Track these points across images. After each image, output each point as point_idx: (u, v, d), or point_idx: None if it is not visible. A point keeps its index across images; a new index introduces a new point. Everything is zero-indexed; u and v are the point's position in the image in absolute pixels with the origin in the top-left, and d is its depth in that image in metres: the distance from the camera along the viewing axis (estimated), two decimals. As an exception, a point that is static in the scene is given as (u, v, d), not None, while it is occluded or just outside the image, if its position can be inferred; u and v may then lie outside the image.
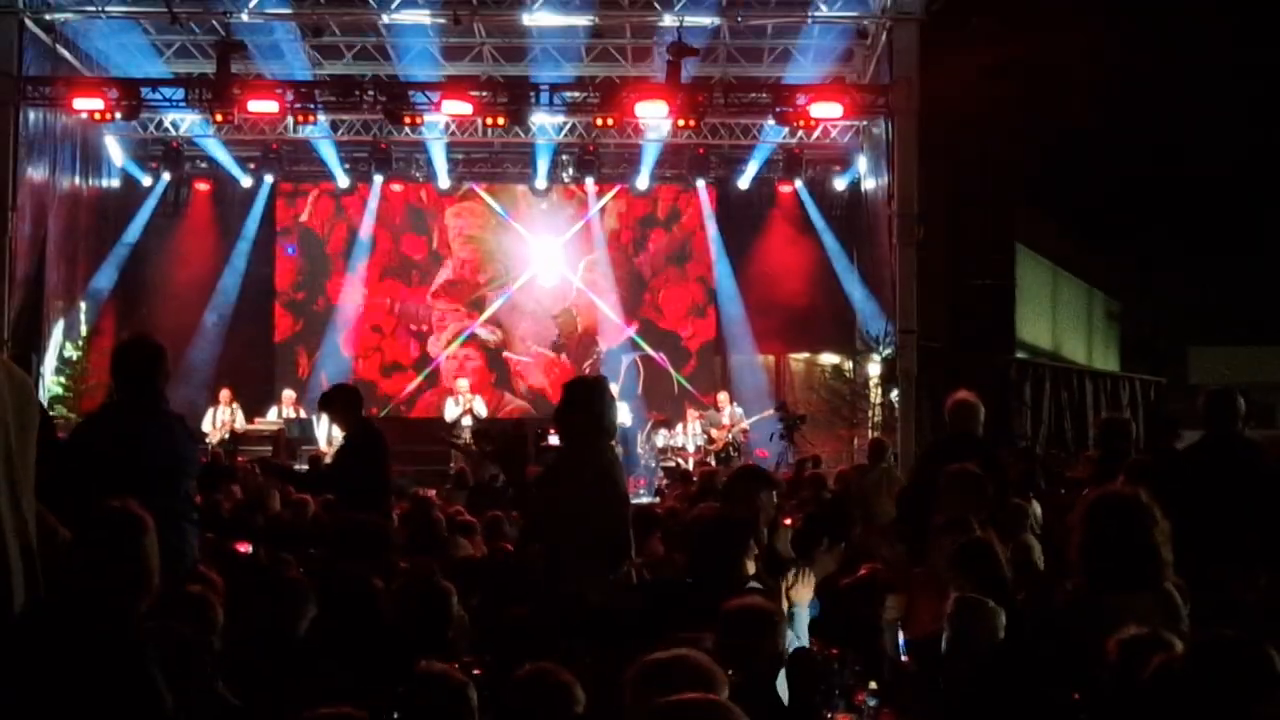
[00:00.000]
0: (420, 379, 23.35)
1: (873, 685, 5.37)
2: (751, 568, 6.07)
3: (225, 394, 20.35)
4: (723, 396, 21.88)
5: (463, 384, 21.43)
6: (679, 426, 21.57)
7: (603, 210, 23.87)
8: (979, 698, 5.38)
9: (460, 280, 23.64)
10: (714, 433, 20.93)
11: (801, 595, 5.83)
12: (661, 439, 21.52)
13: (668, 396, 23.76)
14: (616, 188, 23.71)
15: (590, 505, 6.91)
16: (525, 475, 7.23)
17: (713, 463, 19.93)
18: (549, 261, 23.79)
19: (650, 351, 23.81)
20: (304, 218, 23.77)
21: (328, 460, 14.81)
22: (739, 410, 21.39)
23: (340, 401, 9.56)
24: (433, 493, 13.60)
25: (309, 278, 23.86)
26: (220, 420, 19.88)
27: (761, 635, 4.94)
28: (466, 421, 20.01)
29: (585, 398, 7.21)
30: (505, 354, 23.49)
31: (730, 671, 4.07)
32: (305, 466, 16.32)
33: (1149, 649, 4.31)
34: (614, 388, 20.59)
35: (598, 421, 7.09)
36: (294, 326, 23.75)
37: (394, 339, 23.45)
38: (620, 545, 7.07)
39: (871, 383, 20.72)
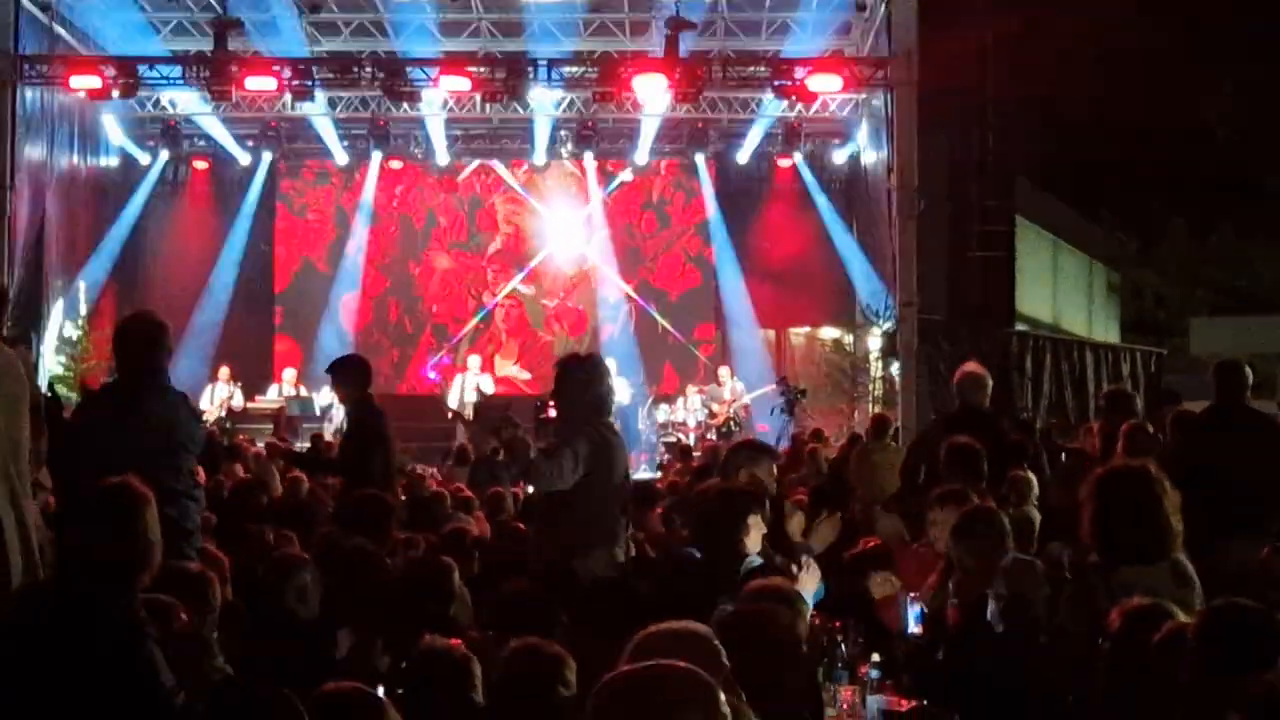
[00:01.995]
0: (476, 321, 23.84)
1: (875, 657, 5.37)
2: (758, 541, 6.06)
3: (224, 371, 20.34)
4: (724, 371, 21.88)
5: (473, 361, 21.47)
6: (679, 401, 21.57)
7: (608, 185, 24.14)
8: (994, 672, 5.38)
9: (507, 250, 24.18)
10: (715, 407, 20.93)
11: (807, 585, 5.81)
12: (662, 414, 21.55)
13: (660, 347, 23.98)
14: (628, 166, 23.93)
15: (586, 480, 6.91)
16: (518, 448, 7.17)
17: (713, 438, 19.93)
18: (567, 235, 24.20)
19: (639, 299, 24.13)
20: (367, 196, 23.93)
21: (327, 440, 14.82)
22: (740, 385, 21.38)
23: (350, 371, 9.48)
24: (433, 469, 13.61)
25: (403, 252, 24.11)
26: (219, 398, 19.87)
27: (776, 612, 4.92)
28: (471, 398, 20.03)
29: (578, 374, 7.19)
30: (542, 301, 24.13)
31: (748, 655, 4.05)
32: (307, 445, 16.31)
33: (1152, 619, 4.31)
34: (612, 363, 20.63)
35: (592, 397, 7.08)
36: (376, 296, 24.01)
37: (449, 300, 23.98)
38: (617, 521, 7.07)
39: (872, 356, 20.72)
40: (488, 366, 22.33)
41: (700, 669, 3.09)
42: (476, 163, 24.07)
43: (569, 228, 24.23)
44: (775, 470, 7.62)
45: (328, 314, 23.94)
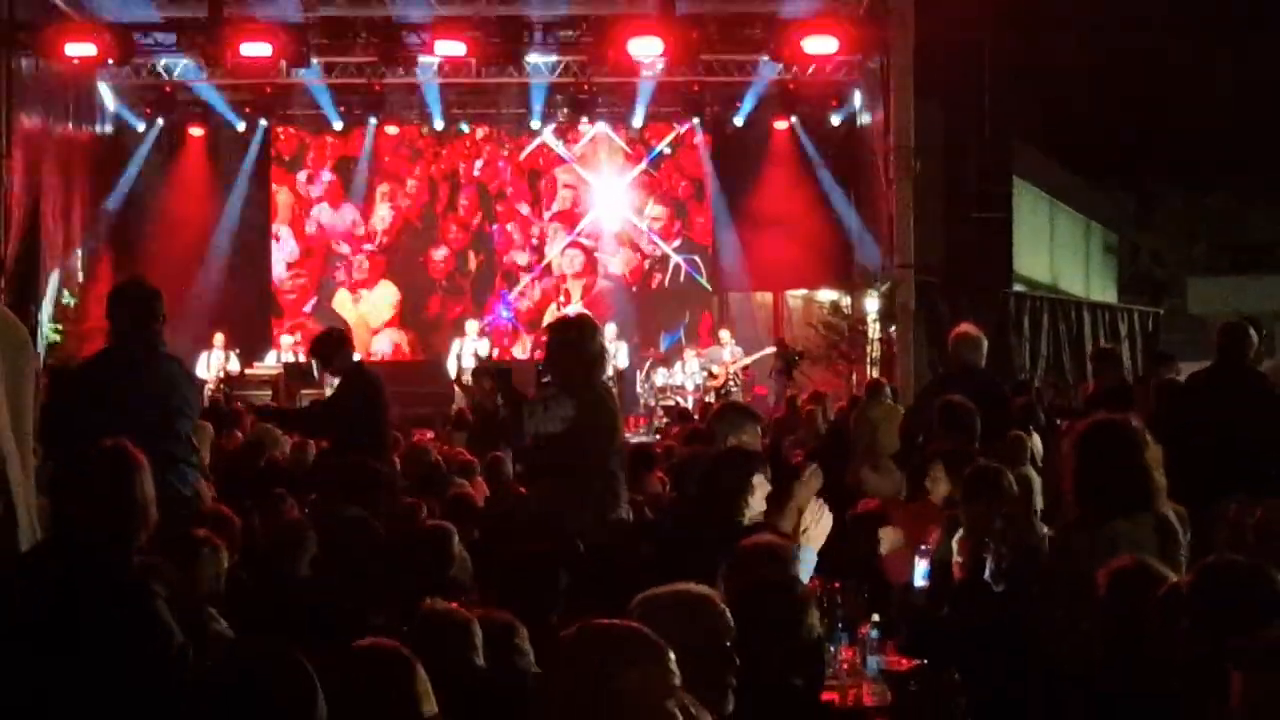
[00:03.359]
0: (539, 269, 24.79)
1: (875, 617, 5.38)
2: (763, 501, 6.06)
3: (219, 338, 20.34)
4: (725, 334, 21.87)
5: (471, 326, 21.47)
6: (677, 365, 21.56)
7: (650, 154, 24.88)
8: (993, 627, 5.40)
9: (565, 211, 25.04)
10: (715, 369, 20.91)
11: (814, 538, 5.80)
12: (660, 378, 21.56)
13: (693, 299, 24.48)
14: (684, 127, 24.52)
15: (582, 441, 6.88)
16: (518, 410, 7.14)
17: (712, 400, 19.92)
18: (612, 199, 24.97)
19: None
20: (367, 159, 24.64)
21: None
22: (739, 348, 21.38)
23: (327, 347, 9.46)
24: (430, 434, 13.60)
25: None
26: (214, 365, 19.86)
27: (771, 570, 4.92)
28: (469, 363, 20.02)
29: (570, 336, 7.15)
30: (595, 253, 24.95)
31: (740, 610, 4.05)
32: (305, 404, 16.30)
33: (1141, 580, 4.31)
34: (612, 328, 20.47)
35: (585, 358, 7.04)
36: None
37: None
38: (617, 482, 7.04)
39: (869, 318, 20.67)
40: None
41: (660, 632, 3.11)
42: (539, 140, 24.68)
43: (613, 193, 24.82)
44: (760, 433, 7.60)
45: (332, 279, 24.33)
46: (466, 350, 20.63)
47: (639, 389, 21.61)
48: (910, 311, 18.78)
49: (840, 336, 21.47)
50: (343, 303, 24.40)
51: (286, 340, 21.40)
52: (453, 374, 20.29)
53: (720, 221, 24.23)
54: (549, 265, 24.81)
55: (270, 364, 20.60)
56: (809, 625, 4.48)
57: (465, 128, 24.61)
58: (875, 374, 20.11)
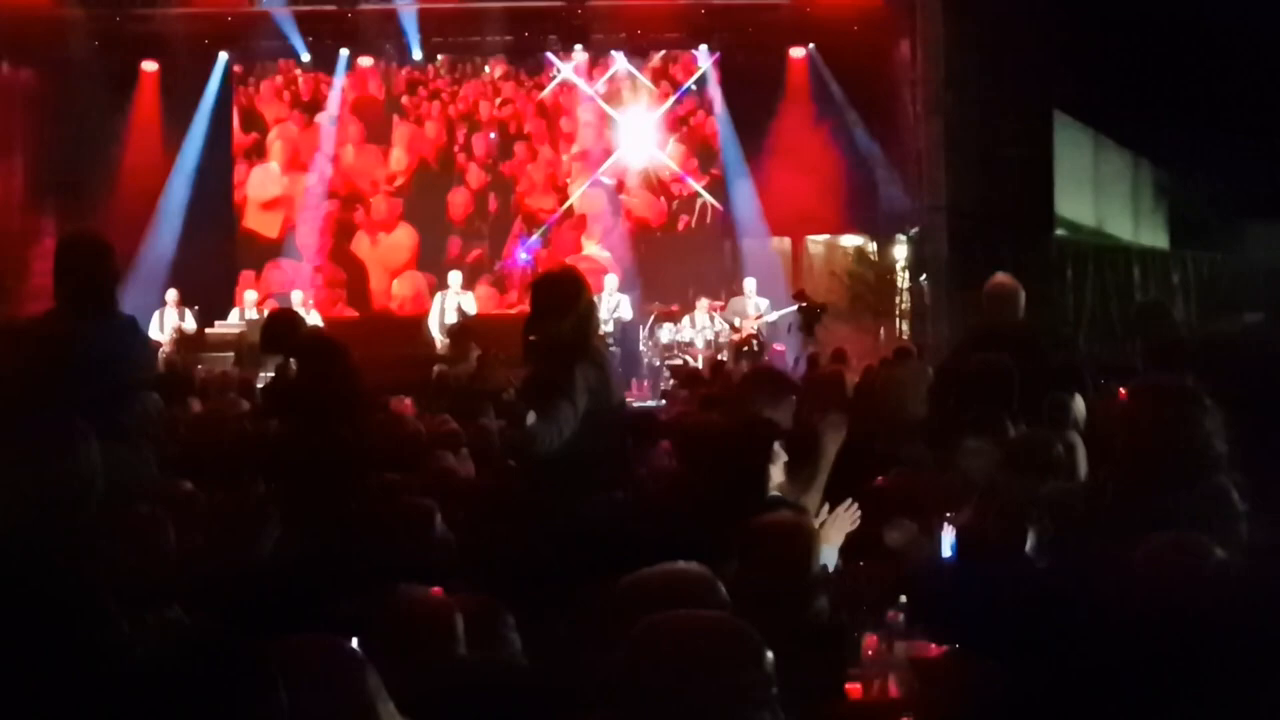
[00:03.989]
0: (560, 212, 25.32)
1: (902, 599, 5.35)
2: (782, 472, 6.02)
3: (172, 294, 20.33)
4: (749, 283, 21.67)
5: (454, 278, 21.45)
6: (686, 320, 21.47)
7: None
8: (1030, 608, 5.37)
9: (586, 150, 25.51)
10: (738, 322, 20.80)
11: (833, 538, 5.78)
12: (667, 334, 21.42)
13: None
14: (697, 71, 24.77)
15: (582, 426, 6.81)
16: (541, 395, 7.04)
17: (726, 359, 19.86)
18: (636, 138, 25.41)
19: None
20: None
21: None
22: (764, 300, 21.23)
23: (275, 334, 9.44)
24: (409, 400, 13.54)
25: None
26: (169, 326, 19.83)
27: (792, 554, 4.89)
28: (451, 319, 20.00)
29: (555, 300, 7.05)
30: (620, 195, 25.44)
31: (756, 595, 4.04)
32: (271, 375, 16.26)
33: (1180, 556, 4.28)
34: (612, 279, 20.44)
35: (575, 318, 6.96)
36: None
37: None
38: (613, 460, 6.99)
39: (898, 266, 20.65)
40: (575, 247, 24.21)
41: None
42: (560, 78, 25.05)
43: (638, 132, 25.17)
44: (793, 410, 7.57)
45: (302, 228, 24.65)
46: (449, 305, 20.59)
47: (641, 347, 21.53)
48: (942, 259, 18.74)
49: (866, 287, 21.43)
50: (361, 246, 24.95)
51: (250, 297, 21.37)
52: (435, 332, 20.27)
53: (731, 160, 24.16)
54: (571, 208, 25.20)
55: (233, 323, 20.56)
56: (819, 608, 4.47)
57: (487, 70, 25.28)
58: (905, 328, 20.10)
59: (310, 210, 24.88)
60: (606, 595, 3.61)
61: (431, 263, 24.61)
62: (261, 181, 24.93)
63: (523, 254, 25.05)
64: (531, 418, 6.67)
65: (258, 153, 25.04)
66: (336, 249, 24.92)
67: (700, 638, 3.12)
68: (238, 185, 24.76)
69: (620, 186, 25.38)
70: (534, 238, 25.12)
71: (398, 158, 25.35)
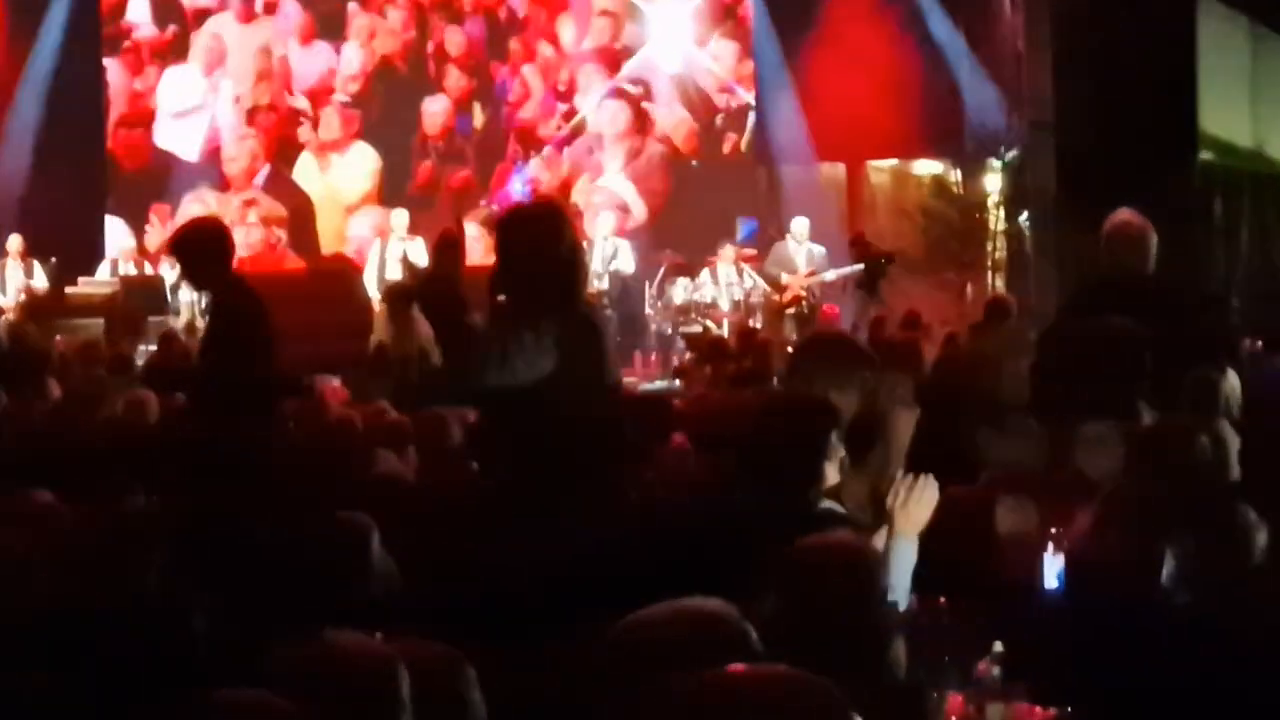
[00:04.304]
0: (568, 129, 25.50)
1: (998, 648, 5.35)
2: (836, 474, 6.02)
3: (14, 242, 20.33)
4: (799, 224, 21.59)
5: (398, 220, 21.43)
6: (705, 274, 21.42)
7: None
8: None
9: (602, 47, 25.72)
10: (785, 278, 20.73)
11: (915, 518, 5.76)
12: (681, 292, 21.35)
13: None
14: None
15: (563, 398, 6.83)
16: (465, 348, 7.02)
17: (761, 324, 19.88)
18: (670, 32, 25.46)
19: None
20: None
21: (182, 339, 14.82)
22: (820, 249, 21.11)
23: (195, 247, 9.48)
24: (337, 382, 13.57)
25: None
26: (11, 285, 19.83)
27: (852, 588, 4.87)
28: (395, 274, 19.97)
29: (524, 236, 7.04)
30: (644, 104, 25.52)
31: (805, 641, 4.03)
32: (154, 348, 16.30)
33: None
34: (608, 218, 20.46)
35: (553, 266, 6.96)
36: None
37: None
38: (607, 460, 6.99)
39: (990, 201, 20.66)
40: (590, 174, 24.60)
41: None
42: None
43: (670, 23, 25.27)
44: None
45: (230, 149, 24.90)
46: (392, 254, 20.56)
47: (648, 309, 21.50)
48: (1049, 193, 18.73)
49: (947, 229, 21.43)
50: (307, 171, 25.20)
51: (124, 244, 21.34)
52: (374, 291, 20.28)
53: (766, 58, 24.18)
54: (582, 123, 25.23)
55: (102, 279, 20.55)
56: (893, 660, 4.46)
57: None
58: (999, 284, 20.10)
59: (239, 126, 25.02)
60: (598, 642, 3.60)
61: (398, 194, 24.66)
62: (177, 88, 25.03)
63: (518, 185, 25.03)
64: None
65: (174, 53, 25.12)
66: (274, 176, 25.00)
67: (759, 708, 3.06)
68: (136, 96, 25.01)
69: (646, 96, 25.28)
70: (532, 163, 25.18)
71: (353, 57, 25.29)
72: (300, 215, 24.91)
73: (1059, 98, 18.88)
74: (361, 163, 25.21)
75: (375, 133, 25.31)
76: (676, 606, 3.76)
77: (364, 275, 20.96)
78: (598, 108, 25.22)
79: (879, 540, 5.73)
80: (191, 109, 25.04)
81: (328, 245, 24.61)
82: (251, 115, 25.12)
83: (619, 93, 25.25)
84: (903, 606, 5.37)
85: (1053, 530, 6.30)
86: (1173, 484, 5.99)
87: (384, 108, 25.34)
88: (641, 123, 25.27)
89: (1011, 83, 19.38)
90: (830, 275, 20.78)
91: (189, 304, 18.45)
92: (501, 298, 7.05)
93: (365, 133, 25.24)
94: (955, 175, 22.29)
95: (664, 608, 3.75)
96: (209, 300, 9.70)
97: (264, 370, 9.11)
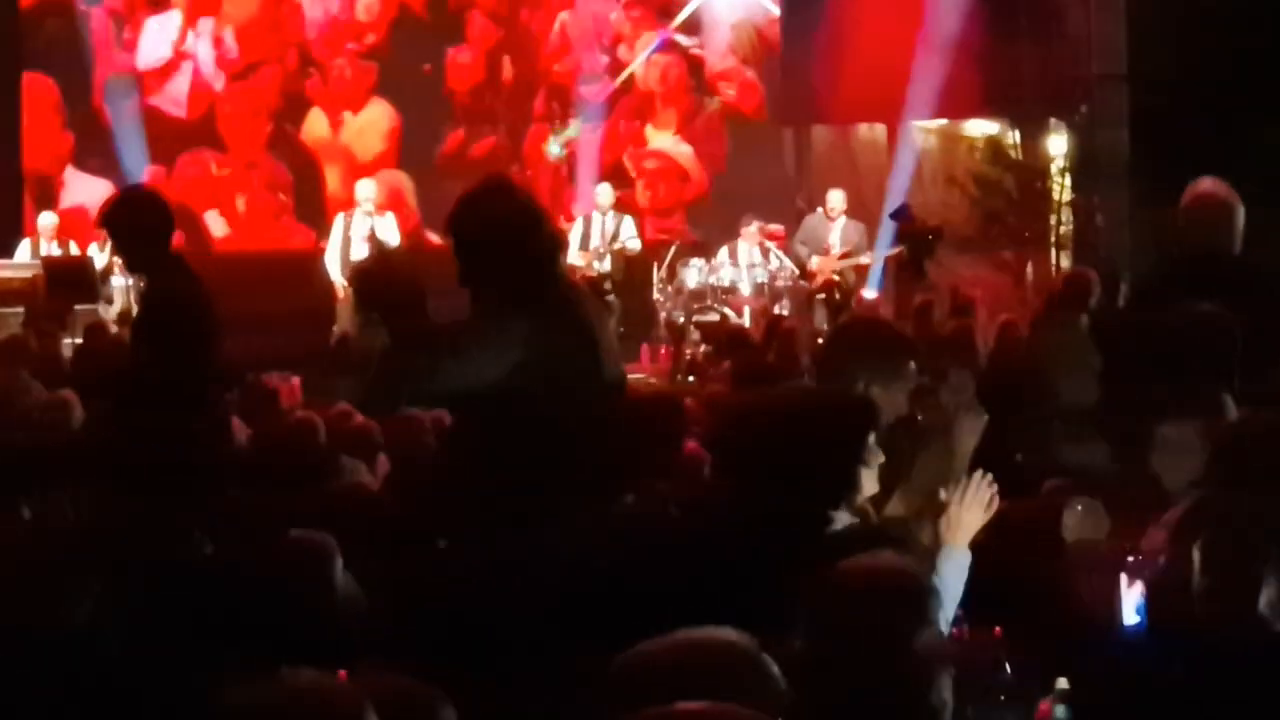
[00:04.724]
0: (613, 86, 25.84)
1: (1061, 684, 5.35)
2: (875, 483, 6.03)
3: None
4: (834, 197, 21.62)
5: (364, 189, 21.32)
6: (723, 254, 21.40)
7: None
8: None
9: None
10: (815, 262, 20.72)
11: (967, 524, 5.77)
12: (695, 276, 21.32)
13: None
14: None
15: (529, 402, 6.83)
16: (418, 342, 7.05)
17: (787, 310, 19.88)
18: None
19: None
20: None
21: (113, 330, 14.82)
22: (859, 226, 21.07)
23: (128, 222, 9.50)
24: (296, 381, 13.60)
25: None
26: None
27: (894, 617, 4.88)
28: (360, 254, 19.92)
29: (479, 228, 7.05)
30: (700, 57, 25.90)
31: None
32: (79, 341, 16.31)
33: None
34: (606, 190, 20.38)
35: (529, 250, 6.97)
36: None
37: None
38: (606, 469, 6.99)
39: (1053, 168, 20.65)
40: (636, 139, 24.96)
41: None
42: None
43: None
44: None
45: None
46: (357, 231, 20.53)
47: (656, 295, 21.48)
48: (1122, 157, 18.72)
49: (1004, 200, 21.43)
50: (317, 129, 25.31)
51: (46, 222, 21.36)
52: (336, 274, 20.27)
53: (794, 6, 24.23)
54: (629, 79, 25.52)
55: (21, 261, 20.57)
56: (938, 702, 4.47)
57: None
58: (1064, 262, 20.09)
59: (237, 81, 25.10)
60: (594, 678, 3.62)
61: (418, 156, 24.97)
62: (159, 38, 25.04)
63: (554, 147, 25.31)
64: None
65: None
66: (277, 136, 25.14)
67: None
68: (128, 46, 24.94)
69: (703, 48, 25.45)
70: (572, 125, 25.35)
71: (370, 2, 25.39)
72: (308, 180, 25.08)
73: (1133, 45, 18.86)
74: (378, 121, 25.43)
75: (392, 88, 25.40)
76: (683, 638, 3.78)
77: (325, 256, 20.87)
78: (647, 62, 25.35)
79: (925, 556, 5.72)
80: (174, 60, 25.09)
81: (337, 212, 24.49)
82: (252, 67, 25.18)
83: (671, 45, 25.39)
84: (948, 631, 5.36)
85: (1127, 547, 6.30)
86: (1265, 494, 5.97)
87: (403, 60, 25.43)
88: (698, 79, 25.48)
89: (1078, 28, 19.37)
90: (867, 257, 20.74)
91: (123, 289, 18.46)
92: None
93: (381, 88, 25.39)
94: (1013, 137, 22.27)
95: (669, 640, 3.77)
96: (143, 285, 9.68)
97: (206, 366, 9.11)
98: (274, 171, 25.01)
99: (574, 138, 25.20)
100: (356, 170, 24.57)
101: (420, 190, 24.79)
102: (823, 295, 20.30)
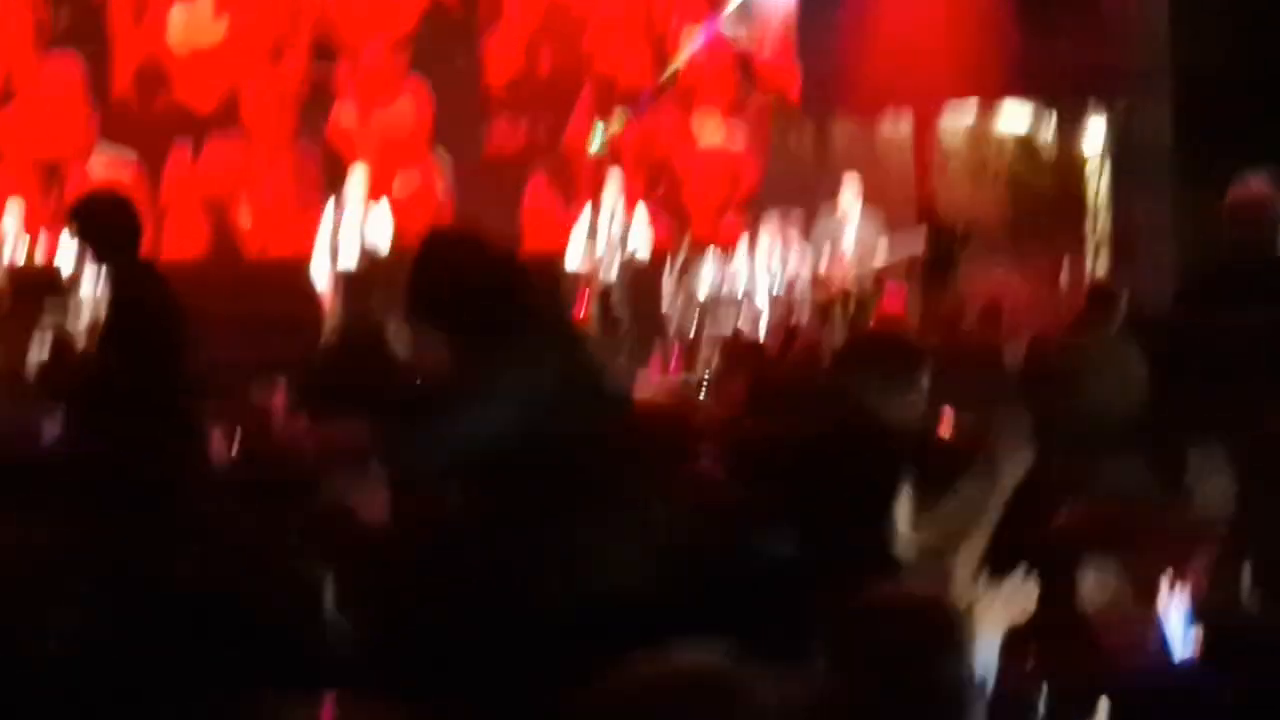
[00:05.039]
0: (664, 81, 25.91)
1: (1104, 703, 5.37)
2: (902, 511, 6.04)
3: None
4: (847, 195, 21.56)
5: (355, 178, 21.28)
6: (741, 254, 21.32)
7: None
8: None
9: None
10: (823, 268, 20.67)
11: (989, 626, 5.80)
12: (707, 282, 21.26)
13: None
14: None
15: (532, 427, 6.85)
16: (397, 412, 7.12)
17: (805, 322, 19.86)
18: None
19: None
20: None
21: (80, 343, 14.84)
22: (876, 228, 21.00)
23: (96, 221, 9.52)
24: (281, 390, 13.61)
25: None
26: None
27: (927, 653, 4.89)
28: (350, 258, 19.91)
29: (427, 284, 7.10)
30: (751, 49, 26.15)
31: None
32: (46, 352, 16.34)
33: None
34: (614, 191, 20.31)
35: (466, 304, 6.98)
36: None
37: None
38: (607, 491, 6.99)
39: (1090, 165, 20.69)
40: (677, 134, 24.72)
41: None
42: None
43: None
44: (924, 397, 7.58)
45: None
46: (348, 223, 20.46)
47: (665, 305, 21.42)
48: (1163, 152, 18.74)
49: (1037, 200, 21.47)
50: (345, 122, 25.46)
51: (9, 226, 21.40)
52: (324, 283, 20.24)
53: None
54: (676, 72, 25.63)
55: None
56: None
57: None
58: (1102, 266, 20.13)
59: (263, 68, 25.34)
60: (594, 707, 3.64)
61: (451, 148, 25.22)
62: (188, 25, 25.24)
63: (596, 143, 25.12)
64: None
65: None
66: (306, 127, 25.33)
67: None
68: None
69: (756, 38, 25.56)
70: (615, 120, 25.23)
71: None
72: (337, 171, 24.66)
73: (1177, 36, 18.88)
74: (411, 113, 25.61)
75: (427, 77, 25.54)
76: (687, 663, 3.78)
77: (312, 261, 20.80)
78: (696, 53, 25.41)
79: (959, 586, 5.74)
80: (200, 45, 25.29)
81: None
82: (279, 54, 25.42)
83: (719, 35, 25.45)
84: (986, 670, 5.37)
85: (1174, 581, 6.31)
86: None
87: (437, 49, 25.59)
88: (750, 73, 25.66)
89: (1116, 14, 19.39)
90: (883, 260, 20.64)
91: (90, 300, 18.49)
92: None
93: (413, 78, 25.53)
94: (1047, 131, 22.31)
95: (670, 666, 3.77)
96: (110, 292, 9.69)
97: (177, 376, 9.12)
98: (303, 161, 25.24)
99: (616, 132, 25.08)
100: (387, 162, 24.75)
101: (455, 183, 25.14)
102: (837, 305, 20.18)
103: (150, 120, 24.83)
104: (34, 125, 24.41)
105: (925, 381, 7.26)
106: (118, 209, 9.77)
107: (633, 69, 25.74)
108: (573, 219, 23.30)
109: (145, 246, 9.85)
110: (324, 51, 25.48)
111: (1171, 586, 6.30)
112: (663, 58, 25.59)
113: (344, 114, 25.35)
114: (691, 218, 23.78)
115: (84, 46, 24.74)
